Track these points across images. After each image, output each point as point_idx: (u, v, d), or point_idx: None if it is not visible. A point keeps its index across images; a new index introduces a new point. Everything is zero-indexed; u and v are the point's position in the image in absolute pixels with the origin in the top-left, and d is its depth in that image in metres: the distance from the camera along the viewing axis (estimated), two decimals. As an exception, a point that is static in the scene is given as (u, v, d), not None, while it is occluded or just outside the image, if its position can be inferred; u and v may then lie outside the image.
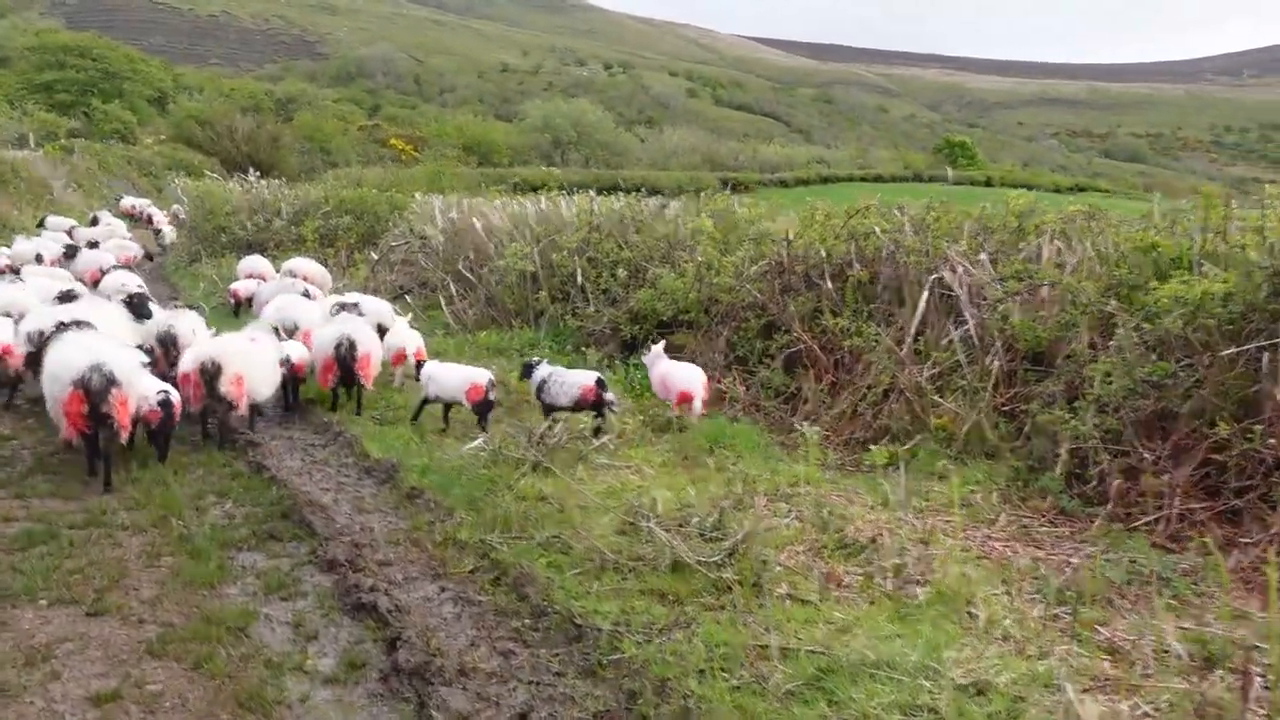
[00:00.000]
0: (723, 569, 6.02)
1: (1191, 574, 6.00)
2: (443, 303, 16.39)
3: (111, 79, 66.42)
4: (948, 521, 7.08)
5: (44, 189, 35.52)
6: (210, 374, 9.19)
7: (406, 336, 11.84)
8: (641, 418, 10.08)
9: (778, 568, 6.05)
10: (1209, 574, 5.88)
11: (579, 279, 14.35)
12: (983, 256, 10.36)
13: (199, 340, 10.68)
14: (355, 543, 6.78)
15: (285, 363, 10.33)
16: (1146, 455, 7.51)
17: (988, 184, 79.13)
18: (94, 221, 26.11)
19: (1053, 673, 4.58)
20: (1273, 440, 6.92)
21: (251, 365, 9.50)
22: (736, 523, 6.61)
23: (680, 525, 6.75)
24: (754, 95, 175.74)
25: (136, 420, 8.57)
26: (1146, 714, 4.37)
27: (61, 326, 9.29)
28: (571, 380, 9.66)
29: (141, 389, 8.51)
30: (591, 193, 17.50)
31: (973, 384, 9.26)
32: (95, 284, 15.16)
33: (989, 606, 5.37)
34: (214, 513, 7.57)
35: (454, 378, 10.01)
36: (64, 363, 8.23)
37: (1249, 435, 6.92)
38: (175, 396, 8.85)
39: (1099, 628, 5.20)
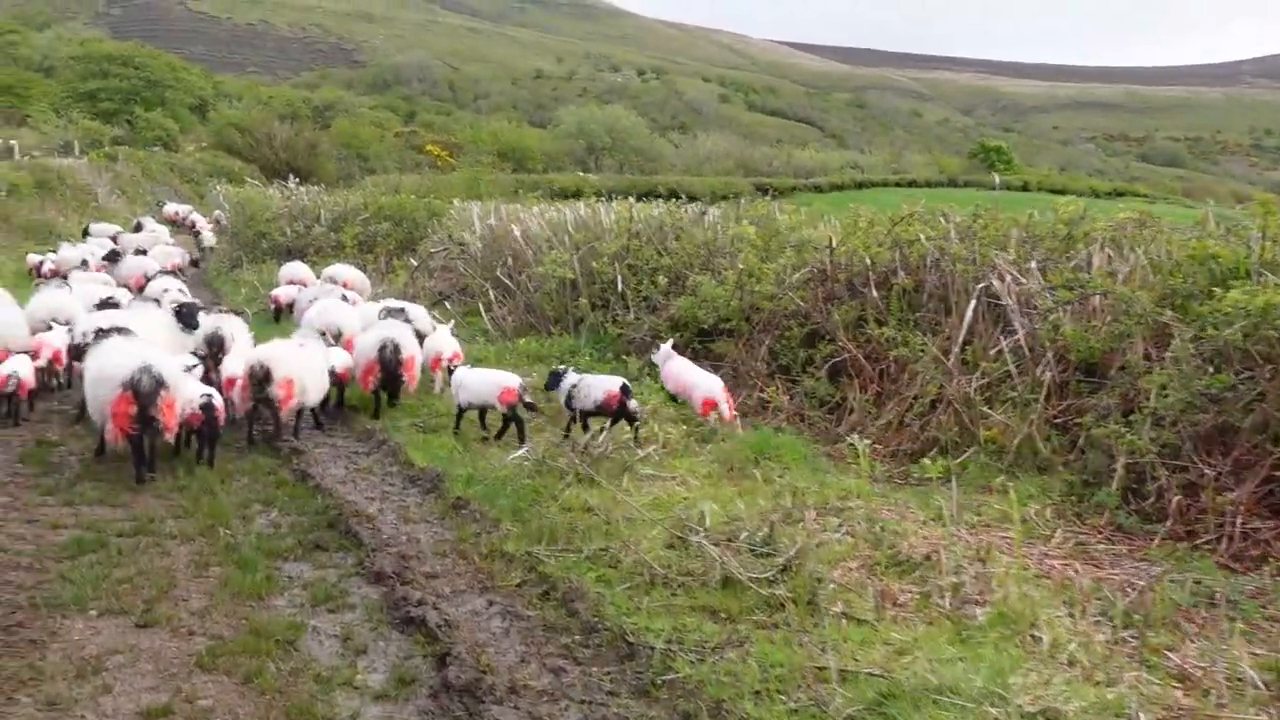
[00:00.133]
0: (775, 586, 5.91)
1: (1260, 596, 5.82)
2: (482, 309, 16.38)
3: (154, 87, 67.27)
4: (1003, 538, 6.94)
5: (89, 196, 35.99)
6: (259, 378, 9.32)
7: (445, 342, 11.84)
8: (684, 428, 9.97)
9: (831, 585, 5.93)
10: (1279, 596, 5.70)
11: (619, 286, 14.28)
12: (1032, 265, 10.18)
13: (243, 345, 10.82)
14: (402, 554, 6.73)
15: (329, 371, 10.34)
16: (1207, 471, 7.32)
17: (1024, 189, 78.41)
18: (138, 227, 26.39)
19: (1124, 701, 4.43)
20: (1341, 457, 6.72)
21: (301, 370, 9.64)
22: (787, 538, 6.51)
23: (729, 540, 6.65)
24: (787, 100, 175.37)
25: (182, 424, 8.73)
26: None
27: (101, 333, 9.43)
28: (598, 385, 9.65)
29: (187, 393, 8.68)
30: (631, 199, 17.41)
31: (1023, 395, 9.10)
32: (140, 289, 15.27)
33: (1053, 629, 5.22)
34: (260, 521, 7.56)
35: (485, 383, 9.99)
36: (111, 366, 8.39)
37: (1316, 451, 6.72)
38: (218, 400, 8.96)
39: (1168, 653, 5.05)
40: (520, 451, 8.84)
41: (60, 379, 11.57)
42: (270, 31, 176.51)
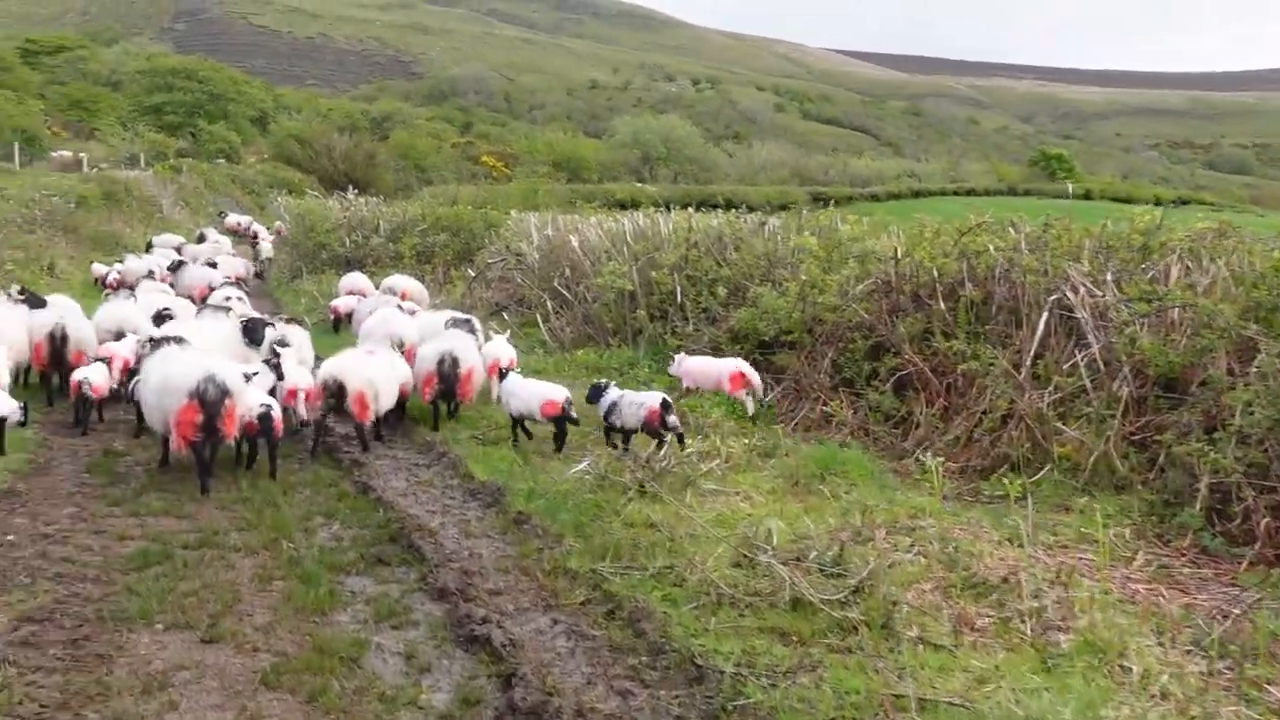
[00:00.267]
0: (847, 608, 5.74)
1: (1362, 626, 5.52)
2: (539, 320, 16.36)
3: (216, 100, 68.69)
4: (1082, 559, 6.70)
5: (154, 207, 36.69)
6: (334, 392, 9.47)
7: (502, 350, 11.81)
8: (747, 441, 9.81)
9: (905, 608, 5.73)
10: (1384, 627, 5.40)
11: (678, 297, 14.16)
12: (1108, 276, 9.88)
13: (305, 354, 10.97)
14: (465, 570, 6.65)
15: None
16: (1298, 492, 7.01)
17: (1086, 197, 77.17)
18: (201, 238, 26.80)
19: (1224, 738, 4.21)
20: None
21: (373, 379, 9.77)
22: (858, 558, 6.34)
23: (798, 559, 6.47)
24: (842, 109, 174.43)
25: (242, 433, 8.82)
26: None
27: (157, 342, 9.59)
28: (638, 402, 9.55)
29: (247, 401, 8.75)
30: (690, 209, 17.29)
31: (1099, 411, 8.81)
32: (203, 300, 15.46)
33: (1143, 659, 4.99)
34: (322, 534, 7.53)
35: (531, 393, 9.97)
36: (177, 375, 8.49)
37: None
38: (277, 411, 9.02)
39: (1268, 686, 4.79)
40: (582, 465, 8.75)
41: (127, 389, 11.71)
42: (329, 45, 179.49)
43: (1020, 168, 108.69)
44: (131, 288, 16.72)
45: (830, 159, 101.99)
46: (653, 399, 9.51)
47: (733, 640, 5.52)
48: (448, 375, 10.58)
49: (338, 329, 16.95)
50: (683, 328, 13.73)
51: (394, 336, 11.89)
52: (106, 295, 15.89)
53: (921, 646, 5.33)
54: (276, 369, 10.00)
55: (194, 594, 6.21)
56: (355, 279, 19.29)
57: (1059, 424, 8.94)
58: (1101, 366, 9.22)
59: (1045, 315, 9.86)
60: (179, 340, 9.55)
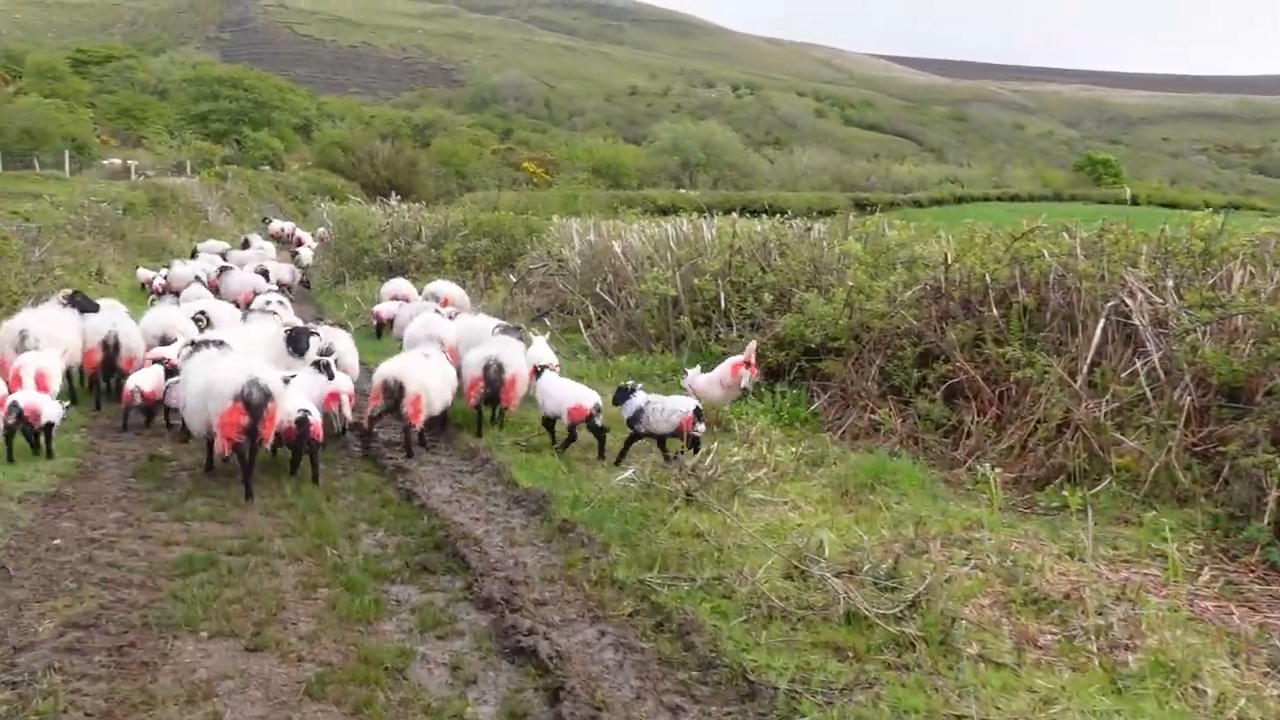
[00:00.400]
0: (903, 623, 5.56)
1: None
2: (581, 326, 16.27)
3: (261, 108, 69.64)
4: (1146, 575, 6.47)
5: (199, 214, 37.15)
6: (393, 392, 9.55)
7: (542, 353, 11.76)
8: (794, 450, 9.64)
9: (964, 624, 5.54)
10: None
11: (722, 303, 14.01)
12: (1169, 282, 9.60)
13: (349, 360, 11.02)
14: (510, 579, 6.55)
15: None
16: (1373, 506, 6.73)
17: (1134, 203, 75.98)
18: (245, 244, 27.04)
19: (1310, 768, 4.00)
20: None
21: (428, 381, 9.90)
22: (913, 570, 6.15)
23: (850, 571, 6.30)
24: (884, 114, 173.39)
25: (282, 438, 8.86)
26: None
27: (196, 345, 9.70)
28: (671, 408, 9.43)
29: (287, 406, 8.79)
30: (735, 215, 17.14)
31: (1159, 421, 8.54)
32: (248, 305, 15.55)
33: (1217, 681, 4.77)
34: (366, 541, 7.48)
35: (562, 394, 9.95)
36: (221, 379, 8.53)
37: None
38: (315, 416, 9.01)
39: (1353, 712, 4.57)
40: (627, 473, 8.62)
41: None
42: (372, 53, 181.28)
43: (1066, 173, 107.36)
44: (176, 293, 16.89)
45: (872, 165, 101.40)
46: (685, 405, 9.42)
47: (785, 655, 5.37)
48: (493, 380, 10.61)
49: (380, 334, 17.01)
50: (726, 334, 13.58)
51: (434, 339, 11.91)
52: (152, 301, 16.04)
53: (983, 664, 5.15)
54: (327, 369, 10.07)
55: (238, 601, 6.16)
56: (399, 285, 19.36)
57: (1117, 434, 8.69)
58: (1161, 375, 8.94)
59: (1102, 322, 9.59)
60: (219, 344, 9.66)
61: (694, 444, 9.26)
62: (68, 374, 11.20)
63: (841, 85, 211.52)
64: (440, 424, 10.72)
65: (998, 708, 4.68)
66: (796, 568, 6.44)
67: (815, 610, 5.87)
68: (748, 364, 11.34)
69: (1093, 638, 5.36)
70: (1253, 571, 6.77)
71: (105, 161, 49.61)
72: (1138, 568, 6.68)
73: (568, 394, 9.94)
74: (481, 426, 10.75)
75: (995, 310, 10.66)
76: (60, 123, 52.27)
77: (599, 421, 9.74)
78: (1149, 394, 8.85)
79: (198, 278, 18.33)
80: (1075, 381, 9.30)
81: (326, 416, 9.78)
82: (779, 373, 12.38)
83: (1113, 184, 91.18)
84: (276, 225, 36.26)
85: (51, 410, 9.30)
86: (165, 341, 11.90)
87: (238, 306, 15.35)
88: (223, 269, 19.82)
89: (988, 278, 10.90)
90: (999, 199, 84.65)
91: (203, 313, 13.47)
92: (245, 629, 5.76)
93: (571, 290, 18.29)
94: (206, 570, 6.67)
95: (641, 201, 44.90)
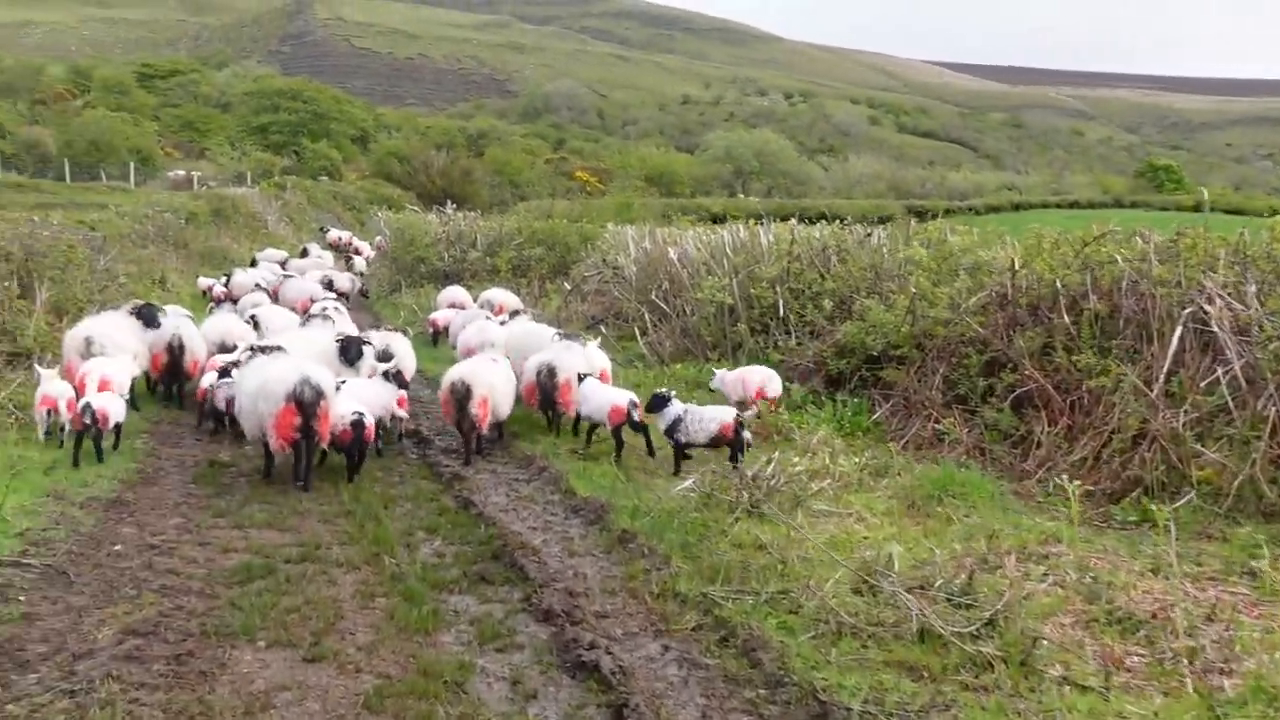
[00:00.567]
0: (980, 641, 5.32)
1: None
2: (637, 334, 16.12)
3: (319, 120, 70.70)
4: (1234, 593, 6.15)
5: (259, 223, 37.67)
6: (461, 396, 9.63)
7: (595, 358, 11.66)
8: (857, 460, 9.40)
9: (1045, 644, 5.29)
10: None
11: (780, 310, 13.79)
12: (1250, 288, 9.22)
13: (407, 361, 11.12)
14: (570, 590, 6.41)
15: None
16: None
17: (1195, 209, 74.22)
18: (304, 253, 27.33)
19: None
20: None
21: (494, 385, 9.99)
22: (989, 587, 5.91)
23: (922, 586, 6.08)
24: (940, 121, 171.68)
25: (339, 442, 8.96)
26: None
27: (255, 350, 9.92)
28: (709, 416, 9.28)
29: (339, 408, 8.93)
30: (793, 221, 16.89)
31: (1243, 432, 8.19)
32: (304, 312, 15.64)
33: (1324, 709, 4.48)
34: (424, 550, 7.38)
35: (599, 398, 9.97)
36: (273, 380, 8.72)
37: None
38: (369, 419, 9.11)
39: None
40: (687, 483, 8.44)
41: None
42: (428, 65, 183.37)
43: (1126, 179, 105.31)
44: (236, 300, 17.06)
45: (927, 172, 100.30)
46: (726, 414, 9.29)
47: (857, 674, 5.16)
48: (545, 385, 10.67)
49: (436, 341, 17.02)
50: (785, 341, 13.36)
51: (487, 345, 12.16)
52: (211, 309, 16.21)
53: (1067, 688, 4.90)
54: (398, 378, 10.17)
55: (296, 610, 6.08)
56: (455, 292, 19.43)
57: (1197, 445, 8.34)
58: (1243, 384, 8.58)
59: (1179, 329, 9.24)
60: (277, 349, 9.86)
61: (738, 451, 9.16)
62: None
63: (896, 92, 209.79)
64: (497, 431, 10.66)
65: (1085, 734, 4.44)
66: (865, 582, 6.23)
67: (886, 627, 5.65)
68: (772, 404, 11.13)
69: (1184, 660, 5.09)
70: (1349, 591, 6.41)
71: (173, 173, 50.61)
72: (1226, 586, 6.36)
73: (604, 397, 9.98)
74: (550, 423, 11.06)
75: (1066, 317, 10.34)
76: (126, 135, 53.55)
77: (637, 417, 9.69)
78: (1231, 404, 8.50)
79: (258, 285, 18.52)
80: (1152, 391, 8.96)
81: (380, 421, 9.81)
82: (839, 381, 12.14)
83: (1174, 190, 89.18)
84: (334, 234, 36.63)
85: (119, 411, 9.50)
86: (225, 348, 12.00)
87: (295, 313, 15.47)
88: (286, 277, 20.08)
89: (1058, 283, 10.57)
90: (1058, 206, 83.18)
91: (253, 316, 13.68)
92: (303, 639, 5.67)
93: (627, 297, 18.17)
94: (265, 578, 6.62)
95: (695, 209, 44.76)
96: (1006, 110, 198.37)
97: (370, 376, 10.61)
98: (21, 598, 6.11)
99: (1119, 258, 10.52)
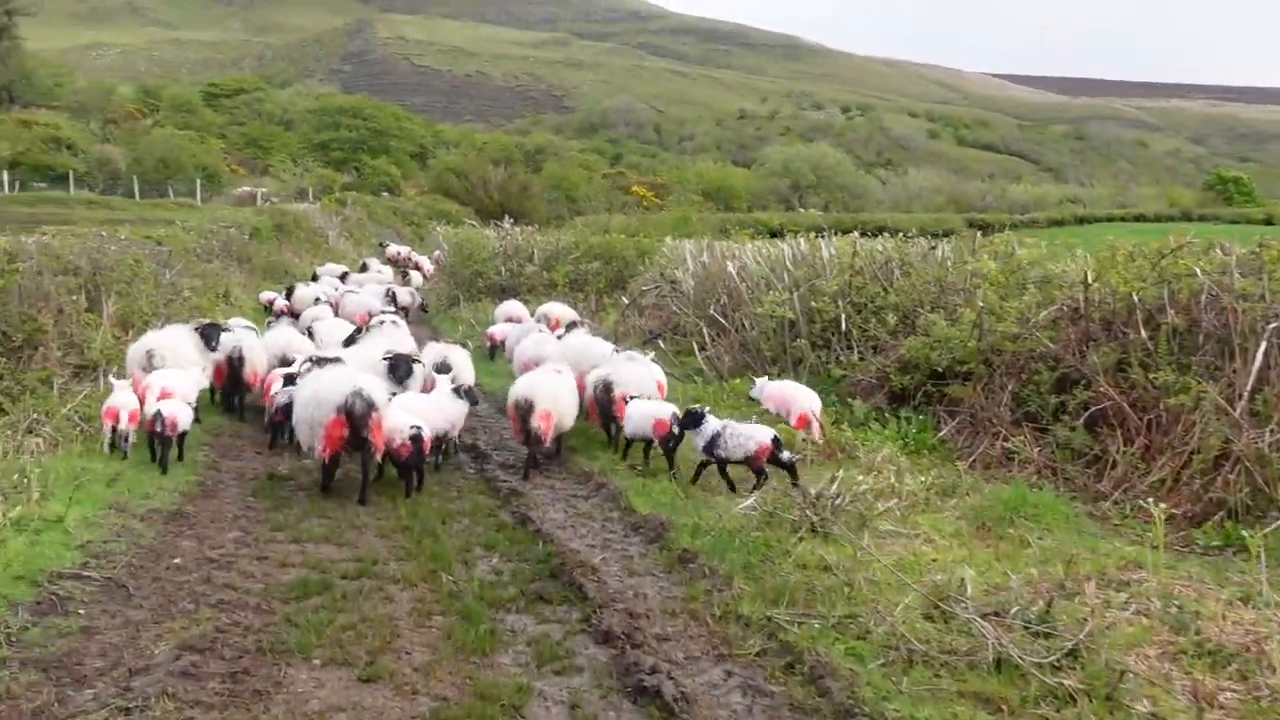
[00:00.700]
0: (1061, 673, 5.06)
1: None
2: (695, 348, 15.94)
3: (379, 136, 71.66)
4: (1332, 626, 5.80)
5: (320, 238, 38.15)
6: (524, 411, 9.67)
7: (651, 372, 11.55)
8: (924, 479, 9.12)
9: (1131, 677, 5.01)
10: None
11: (842, 325, 13.53)
12: (1340, 302, 8.82)
13: (465, 373, 11.38)
14: (630, 612, 6.24)
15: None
16: None
17: (1268, 222, 72.25)
18: (364, 268, 27.58)
19: None
20: None
21: (556, 398, 9.97)
22: (1068, 615, 5.63)
23: (996, 613, 5.82)
24: (1000, 134, 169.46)
25: (396, 456, 8.96)
26: None
27: (315, 362, 10.09)
28: (747, 434, 9.13)
29: (395, 421, 8.95)
30: (855, 234, 16.61)
31: (1335, 454, 7.80)
32: (363, 326, 15.72)
33: None
34: (481, 567, 7.27)
35: (642, 414, 9.91)
36: (325, 390, 8.84)
37: None
38: (427, 432, 9.10)
39: None
40: (748, 501, 8.25)
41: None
42: (486, 82, 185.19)
43: (1194, 192, 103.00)
44: (297, 314, 17.22)
45: (987, 185, 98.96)
46: (764, 434, 9.14)
47: (930, 706, 4.93)
48: (601, 400, 10.67)
49: (493, 355, 17.02)
50: (847, 357, 13.10)
51: (541, 358, 12.09)
52: (269, 322, 16.37)
53: (1156, 724, 4.63)
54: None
55: (352, 628, 5.99)
56: (513, 306, 19.45)
57: (1286, 467, 7.97)
58: (1334, 403, 8.20)
59: (1264, 345, 8.87)
60: (335, 360, 10.01)
61: (792, 472, 9.08)
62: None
63: (955, 105, 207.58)
64: (555, 445, 10.56)
65: (1179, 776, 4.18)
66: (937, 607, 5.99)
67: (960, 655, 5.41)
68: (819, 430, 10.68)
69: (1282, 698, 4.79)
70: None
71: (239, 190, 51.55)
72: (1321, 617, 6.01)
73: (648, 412, 9.90)
74: (610, 437, 10.99)
75: (1142, 332, 9.98)
76: (193, 153, 54.67)
77: (677, 430, 9.62)
78: (1321, 424, 8.11)
79: (318, 299, 18.69)
80: (1235, 409, 8.60)
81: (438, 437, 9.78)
82: (903, 397, 11.86)
83: (1244, 203, 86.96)
84: (393, 249, 36.93)
85: (186, 419, 9.72)
86: (285, 360, 12.07)
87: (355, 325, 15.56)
88: (347, 292, 20.31)
89: (1134, 296, 10.21)
90: (1123, 219, 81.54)
91: (309, 329, 13.81)
92: (359, 657, 5.58)
93: (685, 312, 17.99)
94: (321, 594, 6.54)
95: (752, 224, 44.51)
96: (1069, 122, 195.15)
97: (430, 390, 10.62)
98: (81, 611, 6.10)
99: (1198, 270, 10.15)
